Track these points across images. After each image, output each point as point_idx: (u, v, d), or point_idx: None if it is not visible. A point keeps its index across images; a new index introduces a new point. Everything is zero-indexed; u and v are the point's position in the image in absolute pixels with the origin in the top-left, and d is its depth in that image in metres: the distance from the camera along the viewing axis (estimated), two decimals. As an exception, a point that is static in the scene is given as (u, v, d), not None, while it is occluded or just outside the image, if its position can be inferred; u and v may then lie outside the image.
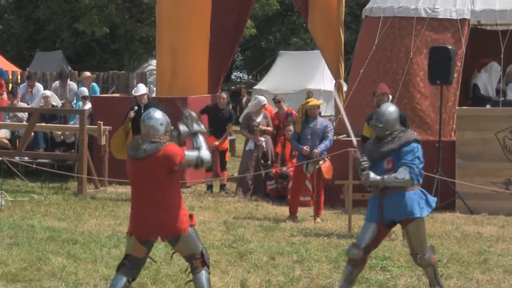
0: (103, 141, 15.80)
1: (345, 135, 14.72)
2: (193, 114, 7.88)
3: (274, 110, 17.67)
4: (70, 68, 32.24)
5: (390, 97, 12.78)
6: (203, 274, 7.68)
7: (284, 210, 13.89)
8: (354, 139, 9.02)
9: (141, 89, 14.83)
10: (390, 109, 8.64)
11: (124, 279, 7.60)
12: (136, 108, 14.57)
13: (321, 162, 13.28)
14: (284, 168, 15.37)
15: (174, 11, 18.17)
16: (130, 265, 7.65)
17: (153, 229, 7.59)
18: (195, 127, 7.79)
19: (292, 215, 13.41)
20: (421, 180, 8.51)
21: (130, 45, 39.21)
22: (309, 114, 13.47)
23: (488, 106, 15.78)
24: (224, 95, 16.46)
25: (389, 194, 8.40)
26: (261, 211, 14.20)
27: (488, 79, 16.45)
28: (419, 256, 8.48)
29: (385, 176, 8.35)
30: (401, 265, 10.01)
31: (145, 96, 14.79)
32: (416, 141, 8.56)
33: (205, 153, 7.63)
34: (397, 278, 9.47)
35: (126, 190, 14.80)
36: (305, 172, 13.41)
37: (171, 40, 18.26)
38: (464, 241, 11.72)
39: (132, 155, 7.62)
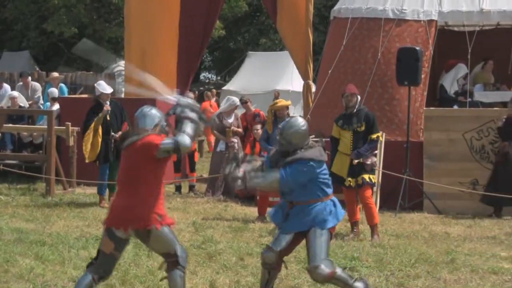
0: (71, 142, 15.71)
1: (313, 135, 14.74)
2: (189, 101, 7.60)
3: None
4: (37, 69, 31.99)
5: (359, 97, 12.80)
6: (177, 272, 7.66)
7: (253, 211, 13.89)
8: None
9: (107, 87, 14.65)
10: (295, 127, 8.04)
11: (90, 277, 7.55)
12: (108, 103, 14.37)
13: (290, 163, 13.27)
14: (253, 169, 15.32)
15: (143, 12, 18.11)
16: (98, 262, 7.61)
17: (123, 217, 7.48)
18: (187, 112, 7.51)
19: (261, 216, 13.42)
20: (330, 191, 8.05)
21: (99, 45, 39.00)
22: (278, 115, 13.49)
23: (455, 107, 15.89)
24: (191, 94, 16.40)
25: (297, 205, 8.00)
26: (230, 212, 14.19)
27: (453, 80, 16.57)
28: (314, 270, 7.83)
29: (253, 174, 7.89)
30: (370, 265, 10.04)
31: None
32: (311, 160, 7.90)
33: (183, 138, 7.31)
34: (366, 278, 9.50)
35: (94, 191, 14.74)
36: (274, 173, 13.40)
37: (139, 41, 18.19)
38: (432, 241, 11.79)
39: (121, 146, 7.72)
